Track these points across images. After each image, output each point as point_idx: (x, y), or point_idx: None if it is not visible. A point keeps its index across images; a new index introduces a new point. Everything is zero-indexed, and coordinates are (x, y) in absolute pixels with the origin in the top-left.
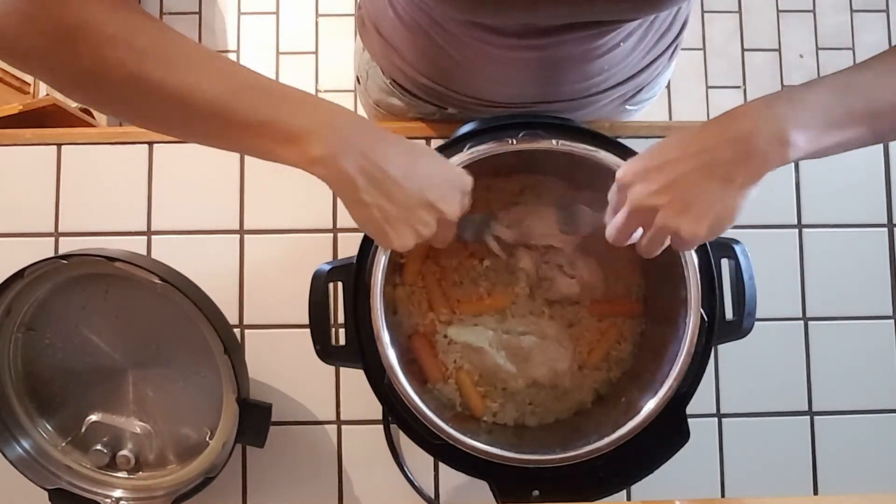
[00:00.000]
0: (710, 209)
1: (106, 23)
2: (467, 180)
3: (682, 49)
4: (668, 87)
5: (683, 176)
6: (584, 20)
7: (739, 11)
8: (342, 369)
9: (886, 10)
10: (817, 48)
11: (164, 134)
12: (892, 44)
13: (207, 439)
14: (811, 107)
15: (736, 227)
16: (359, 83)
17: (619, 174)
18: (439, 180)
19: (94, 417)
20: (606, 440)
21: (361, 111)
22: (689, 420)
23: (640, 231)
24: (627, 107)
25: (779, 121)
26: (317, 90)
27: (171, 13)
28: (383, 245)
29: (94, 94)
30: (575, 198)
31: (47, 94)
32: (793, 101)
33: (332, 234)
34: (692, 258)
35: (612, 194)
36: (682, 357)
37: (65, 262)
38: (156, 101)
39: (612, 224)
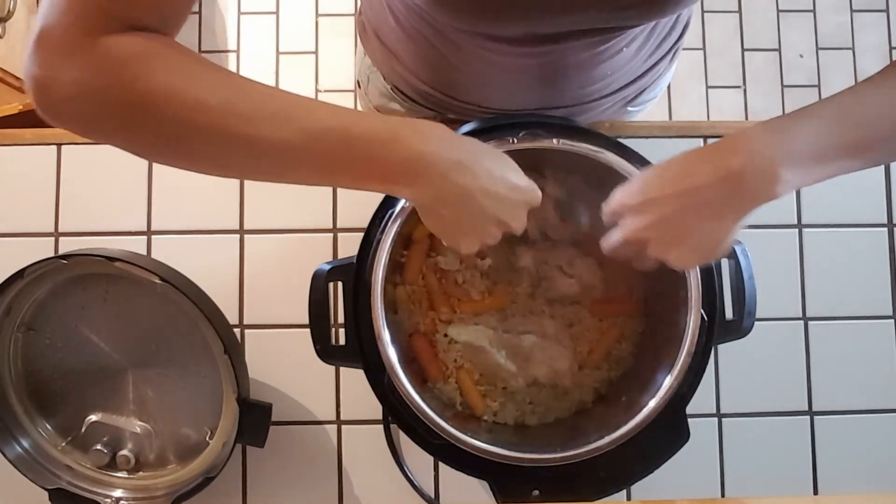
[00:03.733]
0: (699, 244)
1: (179, 86)
2: (536, 197)
3: (683, 49)
4: (668, 87)
5: (673, 213)
6: (586, 28)
7: (739, 11)
8: (342, 369)
9: (886, 10)
10: (817, 48)
11: (259, 180)
12: (892, 44)
13: (207, 439)
14: (802, 142)
15: None
16: (359, 87)
17: (612, 203)
18: (514, 198)
19: (94, 417)
20: (606, 440)
21: None
22: (689, 420)
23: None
24: (629, 108)
25: (769, 158)
26: (317, 90)
27: None
28: (451, 247)
29: (174, 155)
30: (573, 194)
31: None
32: (783, 136)
33: (332, 234)
34: None
35: (604, 214)
36: (682, 357)
37: (65, 262)
38: (240, 155)
39: (607, 242)
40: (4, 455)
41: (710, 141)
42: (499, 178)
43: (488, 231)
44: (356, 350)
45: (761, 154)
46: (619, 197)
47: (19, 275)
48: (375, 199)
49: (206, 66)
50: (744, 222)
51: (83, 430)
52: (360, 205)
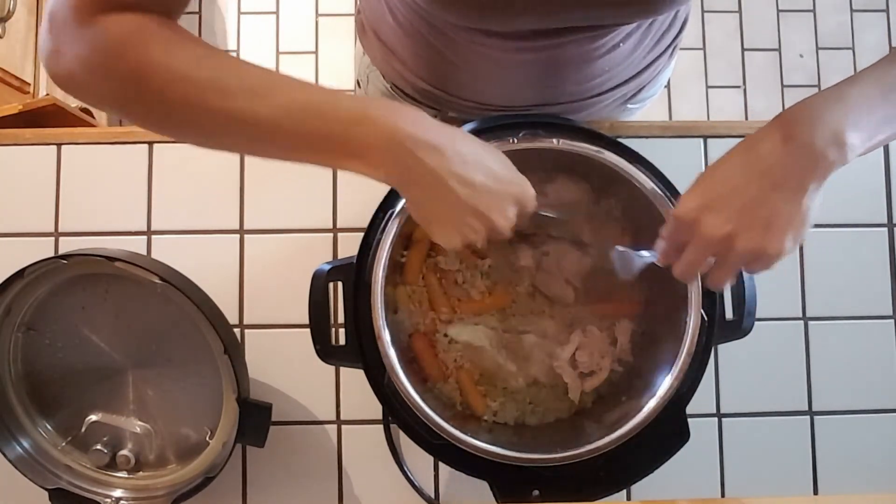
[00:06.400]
0: (790, 221)
1: (167, 62)
2: (528, 194)
3: (682, 49)
4: (667, 86)
5: (755, 198)
6: (585, 24)
7: (739, 11)
8: (342, 369)
9: (886, 10)
10: (817, 48)
11: (240, 153)
12: (893, 44)
13: (207, 439)
14: (859, 106)
15: None
16: (359, 87)
17: (679, 212)
18: (494, 188)
19: (94, 417)
20: (606, 440)
21: None
22: (689, 420)
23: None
24: (629, 105)
25: (834, 124)
26: None
27: None
28: (434, 240)
29: (165, 127)
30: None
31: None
32: (842, 102)
33: (332, 234)
34: None
35: (666, 233)
36: (682, 357)
37: (65, 262)
38: (221, 128)
39: (682, 262)
40: (4, 455)
41: (710, 141)
42: (474, 164)
43: (467, 223)
44: (356, 350)
45: (827, 121)
46: (686, 203)
47: (19, 275)
48: (375, 199)
49: (195, 44)
50: (821, 192)
51: (83, 430)
52: (360, 205)
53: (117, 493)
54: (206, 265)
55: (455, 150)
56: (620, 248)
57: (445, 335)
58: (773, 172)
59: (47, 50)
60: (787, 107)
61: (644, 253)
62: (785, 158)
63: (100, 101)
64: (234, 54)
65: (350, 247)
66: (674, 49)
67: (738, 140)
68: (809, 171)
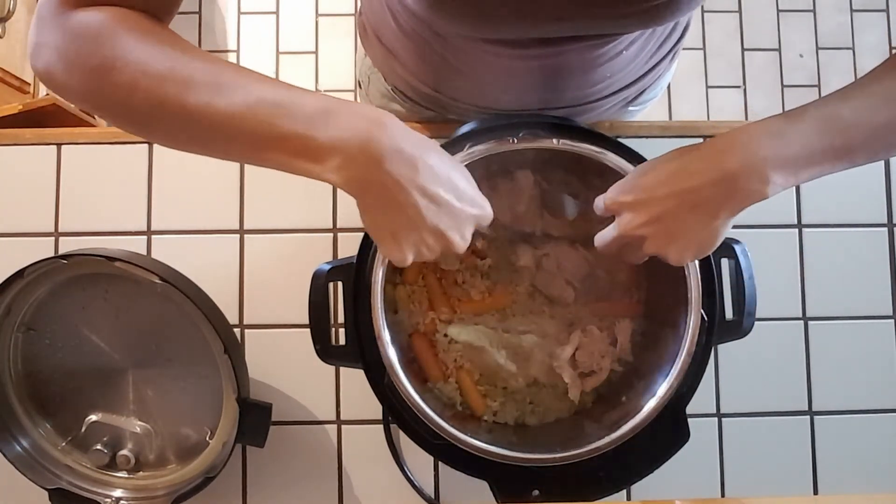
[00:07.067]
0: (695, 239)
1: (131, 54)
2: (486, 215)
3: (683, 49)
4: (668, 86)
5: (669, 212)
6: (586, 34)
7: (739, 11)
8: (342, 369)
9: (886, 10)
10: (817, 48)
11: (203, 155)
12: (893, 44)
13: (207, 439)
14: (793, 145)
15: (736, 227)
16: (360, 88)
17: (607, 200)
18: (459, 208)
19: (94, 417)
20: (606, 440)
21: None
22: (689, 420)
23: None
24: (630, 108)
25: (761, 160)
26: (316, 90)
27: None
28: (382, 254)
29: (131, 123)
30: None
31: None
32: (777, 141)
33: (332, 234)
34: None
35: (598, 208)
36: (682, 357)
37: (65, 262)
38: (179, 125)
39: (601, 238)
40: (4, 455)
41: None
42: (444, 180)
43: (424, 240)
44: (356, 350)
45: (756, 156)
46: (614, 193)
47: (19, 275)
48: None
49: (167, 39)
50: (732, 219)
51: (83, 430)
52: None
53: (117, 493)
54: (206, 265)
55: (426, 163)
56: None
57: (445, 335)
58: (693, 194)
59: (31, 45)
60: (785, 108)
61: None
62: (707, 184)
63: (72, 94)
64: (235, 54)
65: (350, 247)
66: (675, 53)
67: None
68: (725, 202)
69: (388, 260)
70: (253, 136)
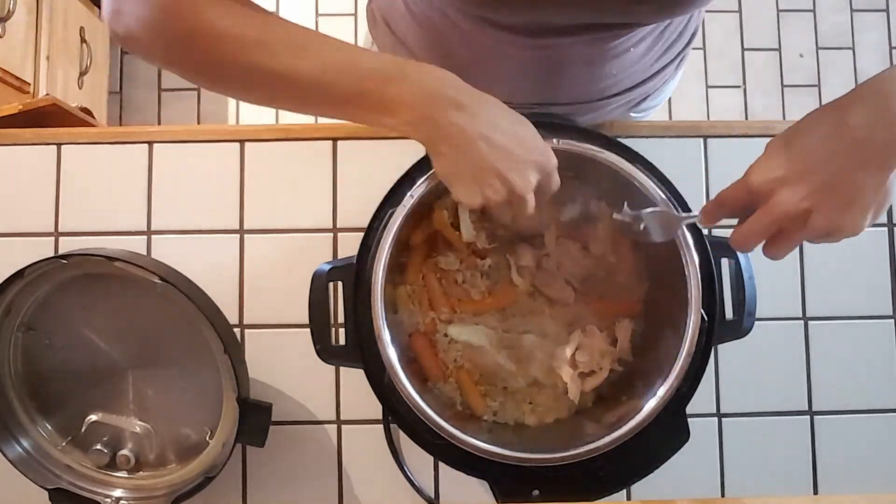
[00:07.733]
0: (873, 199)
1: (215, 22)
2: (550, 164)
3: None
4: None
5: (838, 174)
6: (601, 22)
7: (739, 11)
8: (342, 369)
9: (886, 10)
10: (817, 48)
11: (285, 110)
12: (893, 44)
13: (207, 439)
14: None
15: None
16: None
17: (755, 182)
18: (517, 152)
19: (94, 417)
20: (606, 440)
21: None
22: (689, 420)
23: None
24: (632, 114)
25: None
26: None
27: None
28: (455, 197)
29: (216, 84)
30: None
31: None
32: None
33: (332, 234)
34: (693, 258)
35: (724, 196)
36: (682, 357)
37: (65, 261)
38: (266, 86)
39: (743, 231)
40: (4, 455)
41: (710, 141)
42: (501, 127)
43: (488, 181)
44: (356, 350)
45: None
46: (760, 175)
47: (19, 275)
48: (375, 199)
49: (247, 7)
50: None
51: (83, 430)
52: (360, 205)
53: (117, 492)
54: (206, 265)
55: (485, 113)
56: (650, 209)
57: (445, 335)
58: (860, 147)
59: (109, 10)
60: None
61: (684, 214)
62: (875, 133)
63: (155, 58)
64: None
65: (350, 247)
66: (682, 60)
67: (741, 139)
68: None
69: (388, 258)
70: (332, 94)
